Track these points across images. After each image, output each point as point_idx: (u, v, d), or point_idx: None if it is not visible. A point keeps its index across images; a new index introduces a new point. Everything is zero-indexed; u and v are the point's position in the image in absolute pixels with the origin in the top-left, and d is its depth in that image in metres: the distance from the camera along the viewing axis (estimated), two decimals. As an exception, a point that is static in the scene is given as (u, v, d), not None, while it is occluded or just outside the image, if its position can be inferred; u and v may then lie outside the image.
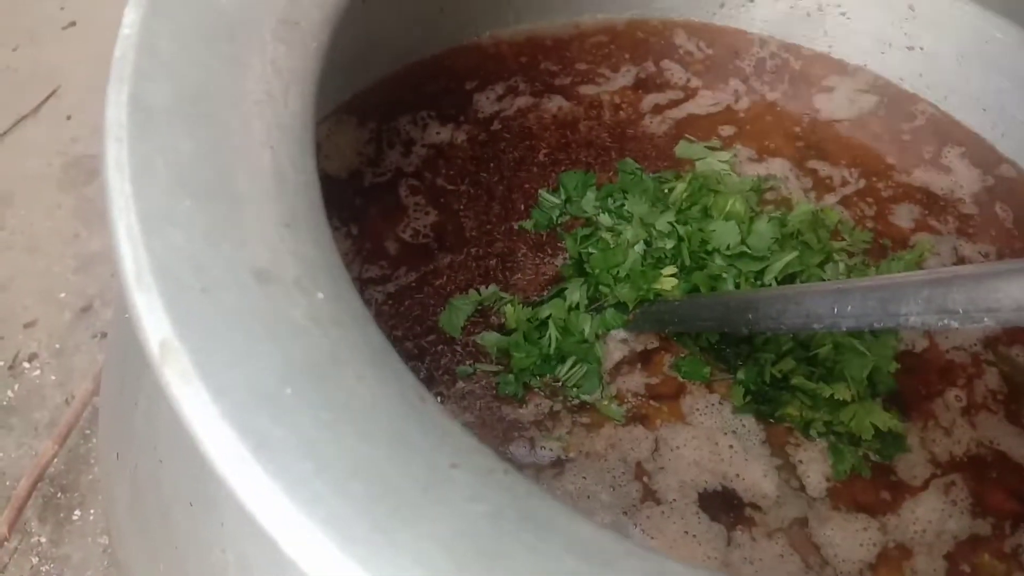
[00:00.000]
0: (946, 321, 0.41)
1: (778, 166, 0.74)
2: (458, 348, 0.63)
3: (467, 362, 0.62)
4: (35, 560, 1.02)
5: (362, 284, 0.65)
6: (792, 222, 0.68)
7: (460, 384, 0.61)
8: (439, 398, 0.61)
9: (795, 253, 0.63)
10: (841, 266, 0.67)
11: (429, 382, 0.61)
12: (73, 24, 1.59)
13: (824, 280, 0.66)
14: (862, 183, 0.72)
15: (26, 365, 1.19)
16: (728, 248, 0.64)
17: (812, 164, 0.74)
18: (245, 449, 0.24)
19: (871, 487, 0.59)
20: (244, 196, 0.31)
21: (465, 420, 0.60)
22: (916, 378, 0.65)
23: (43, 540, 1.04)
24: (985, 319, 0.39)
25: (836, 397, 0.60)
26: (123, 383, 0.49)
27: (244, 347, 0.27)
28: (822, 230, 0.69)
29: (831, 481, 0.59)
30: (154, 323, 0.27)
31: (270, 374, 0.27)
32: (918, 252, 0.69)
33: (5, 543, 1.00)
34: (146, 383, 0.45)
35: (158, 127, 0.31)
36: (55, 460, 1.07)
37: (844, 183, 0.72)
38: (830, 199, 0.71)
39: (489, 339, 0.63)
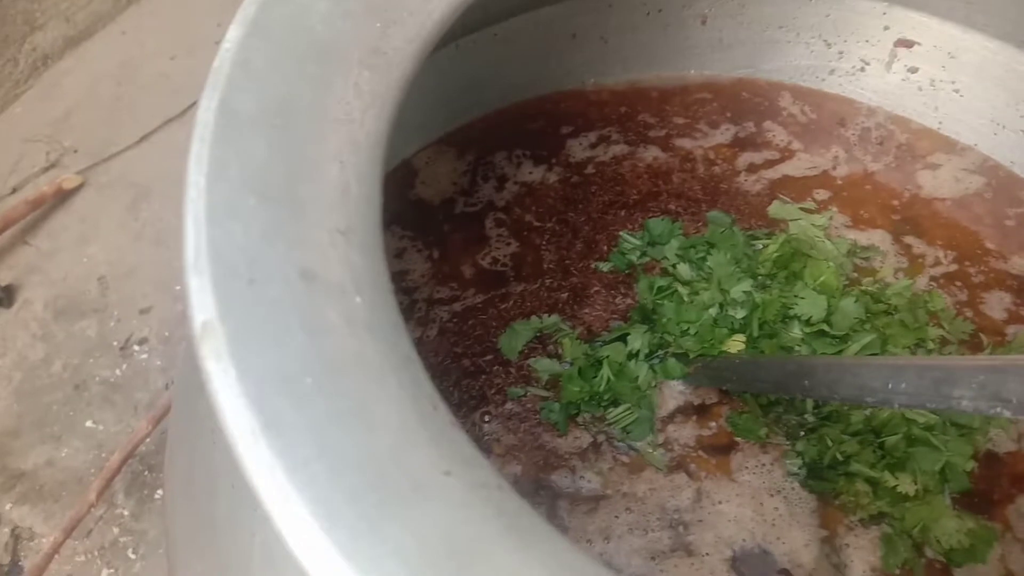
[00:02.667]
0: (999, 409, 0.39)
1: (875, 237, 0.72)
2: (512, 370, 0.64)
3: (519, 384, 0.64)
4: (116, 531, 1.09)
5: (431, 303, 0.67)
6: (890, 296, 0.67)
7: (509, 405, 0.63)
8: (487, 416, 0.62)
9: (873, 336, 0.62)
10: (934, 355, 0.65)
11: (481, 399, 0.63)
12: (226, 40, 1.70)
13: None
14: (954, 267, 0.70)
15: (136, 347, 1.27)
16: (810, 321, 0.64)
17: (907, 239, 0.72)
18: (257, 425, 0.27)
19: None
20: (306, 201, 0.34)
21: (509, 440, 0.61)
22: (995, 481, 0.61)
23: (126, 513, 1.11)
24: (1039, 410, 0.38)
25: (899, 489, 0.58)
26: (187, 390, 0.53)
27: (277, 336, 0.30)
28: (920, 311, 0.67)
29: (876, 572, 0.56)
30: (201, 304, 0.29)
31: (296, 363, 0.29)
32: (1019, 347, 0.66)
33: (92, 509, 1.06)
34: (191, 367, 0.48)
35: (239, 132, 0.34)
36: (147, 440, 1.14)
37: (936, 263, 0.70)
38: (921, 280, 0.69)
39: (542, 364, 0.64)
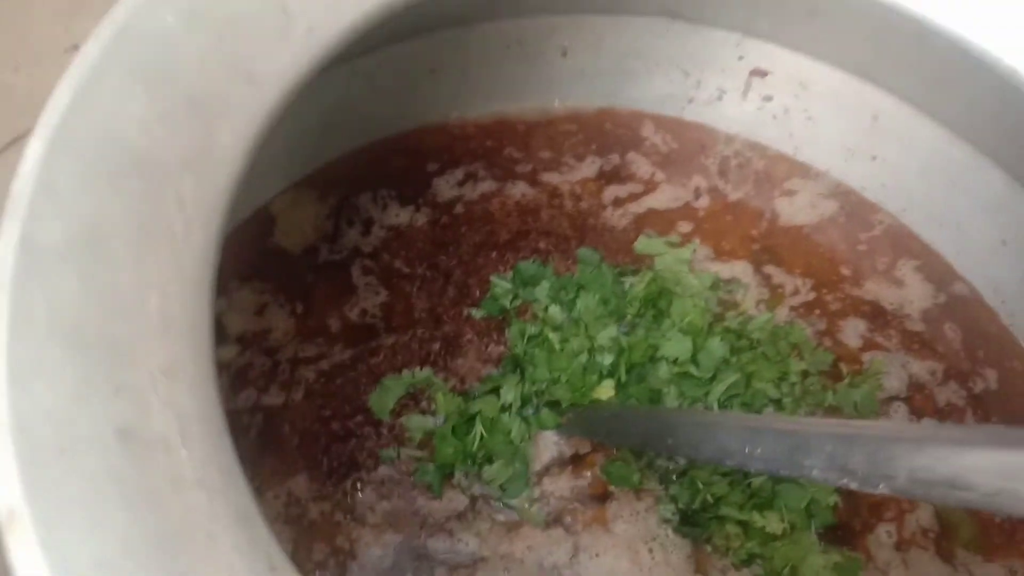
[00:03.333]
0: (846, 481, 0.40)
1: (737, 269, 0.74)
2: (384, 431, 0.63)
3: (392, 445, 0.62)
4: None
5: (295, 363, 0.65)
6: (752, 331, 0.68)
7: (382, 469, 0.61)
8: (359, 484, 0.60)
9: (736, 376, 0.63)
10: (796, 387, 0.66)
11: (351, 465, 0.61)
12: (75, 47, 1.59)
13: (773, 398, 0.65)
14: (812, 295, 0.72)
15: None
16: (677, 361, 0.64)
17: (767, 269, 0.74)
18: (69, 637, 0.24)
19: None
20: (123, 342, 0.31)
21: (383, 508, 0.60)
22: (856, 512, 0.64)
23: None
24: (881, 486, 0.39)
25: (768, 529, 0.59)
26: None
27: (93, 514, 0.27)
28: (782, 343, 0.68)
29: (748, 612, 0.58)
30: (4, 487, 0.27)
31: (115, 545, 0.27)
32: (873, 375, 0.68)
33: None
34: None
35: (44, 269, 0.31)
36: None
37: (795, 292, 0.72)
38: (781, 311, 0.71)
39: (413, 421, 0.63)
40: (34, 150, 0.34)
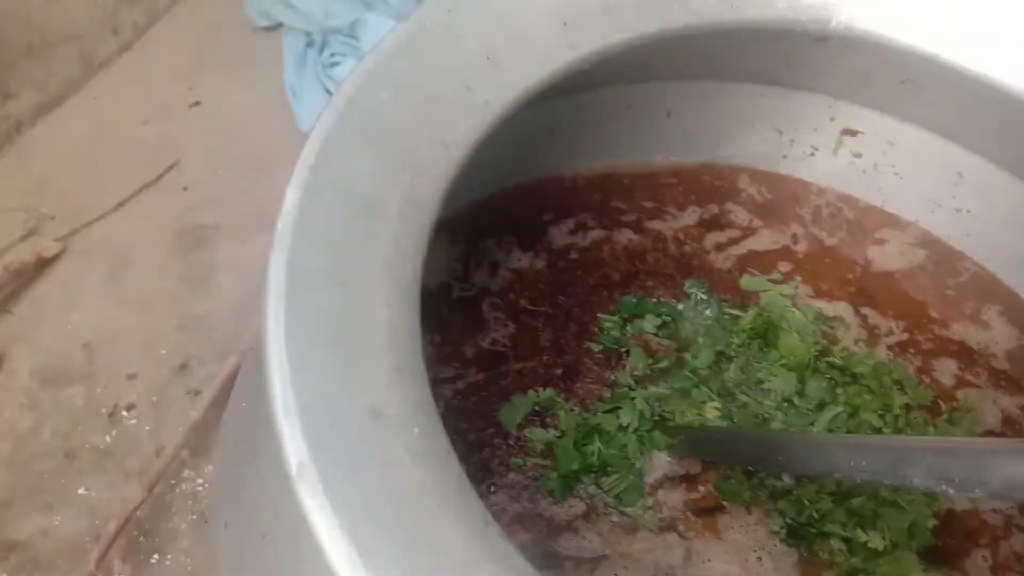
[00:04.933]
0: (944, 487, 0.47)
1: (838, 308, 0.80)
2: (511, 442, 0.71)
3: (519, 455, 0.70)
4: (115, 597, 1.11)
5: (435, 383, 0.73)
6: (855, 365, 0.74)
7: (512, 475, 0.69)
8: (492, 488, 0.68)
9: (841, 408, 0.70)
10: (900, 419, 0.72)
11: (485, 471, 0.69)
12: (198, 103, 1.76)
13: (876, 428, 0.71)
14: (905, 336, 0.78)
15: (124, 414, 1.30)
16: (783, 396, 0.71)
17: (863, 310, 0.80)
18: (356, 555, 0.33)
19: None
20: (365, 344, 0.40)
21: (514, 509, 0.67)
22: (954, 536, 0.69)
23: (124, 579, 1.13)
24: (977, 491, 0.45)
25: (870, 545, 0.65)
26: (236, 462, 0.58)
27: (359, 471, 0.36)
28: (886, 378, 0.74)
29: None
30: (294, 448, 0.35)
31: (377, 495, 0.35)
32: (971, 411, 0.74)
33: (92, 578, 1.09)
34: (255, 471, 0.54)
35: (306, 287, 0.40)
36: (142, 506, 1.17)
37: (890, 332, 0.79)
38: (879, 350, 0.77)
39: (536, 434, 0.71)
40: (291, 196, 0.43)
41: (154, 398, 1.32)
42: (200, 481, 1.19)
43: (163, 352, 1.37)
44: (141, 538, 1.18)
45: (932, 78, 0.64)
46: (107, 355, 1.36)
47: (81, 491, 1.23)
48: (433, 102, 0.50)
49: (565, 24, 0.55)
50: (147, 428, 1.29)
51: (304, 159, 0.44)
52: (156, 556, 1.17)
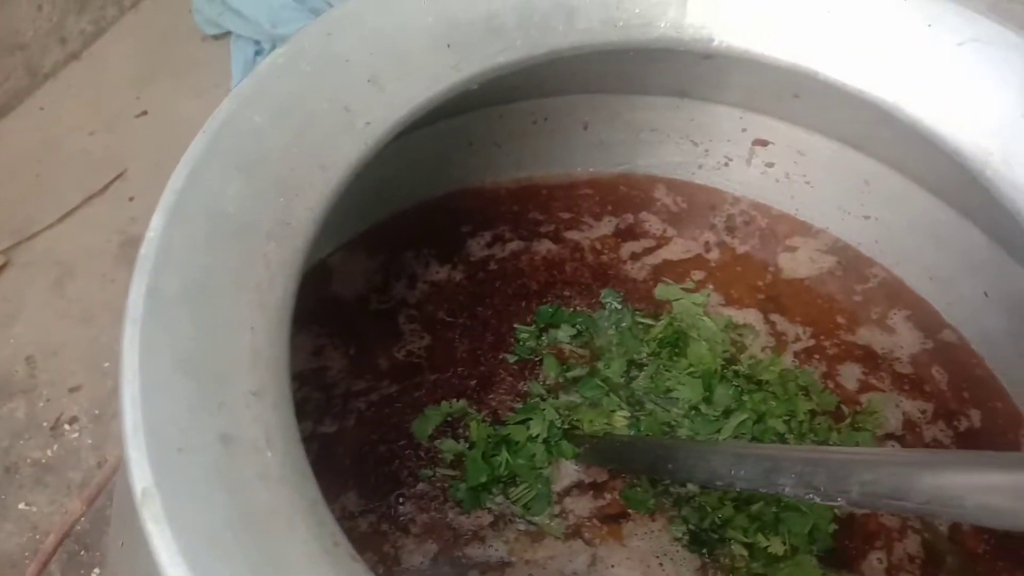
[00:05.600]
0: (811, 495, 0.48)
1: (748, 316, 0.82)
2: (422, 453, 0.72)
3: (429, 466, 0.71)
4: (54, 612, 1.11)
5: (347, 396, 0.74)
6: (761, 372, 0.76)
7: (421, 485, 0.70)
8: (401, 498, 0.69)
9: (747, 415, 0.71)
10: (804, 425, 0.74)
11: (395, 482, 0.70)
12: (145, 113, 1.75)
13: (781, 434, 0.73)
14: (812, 342, 0.80)
15: (66, 427, 1.30)
16: (690, 403, 0.73)
17: (772, 317, 0.82)
18: (192, 580, 0.34)
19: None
20: (224, 369, 0.41)
21: (422, 519, 0.68)
22: (852, 539, 0.70)
23: (63, 594, 1.13)
24: (839, 499, 0.47)
25: (771, 550, 0.66)
26: (121, 514, 0.59)
27: (204, 497, 0.37)
28: (791, 384, 0.76)
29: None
30: (140, 474, 0.36)
31: (220, 520, 0.36)
32: (873, 414, 0.75)
33: (29, 594, 1.09)
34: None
35: (165, 312, 0.41)
36: (82, 519, 1.17)
37: (797, 339, 0.80)
38: (785, 357, 0.79)
39: (446, 444, 0.72)
40: (156, 221, 0.44)
41: (97, 411, 1.32)
42: (138, 494, 1.19)
43: (107, 365, 1.37)
44: (82, 552, 1.18)
45: (817, 93, 0.66)
46: (50, 368, 1.36)
47: (22, 506, 1.22)
48: (312, 125, 0.50)
49: (449, 46, 0.56)
50: (89, 441, 1.29)
51: (172, 183, 0.45)
52: (97, 570, 1.17)
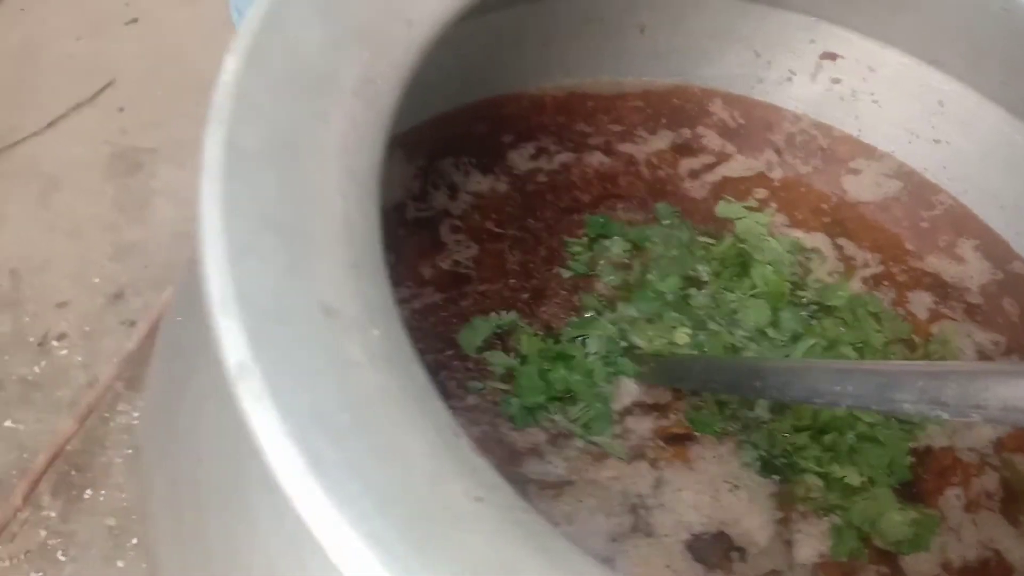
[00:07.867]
0: (937, 412, 0.44)
1: (815, 240, 0.77)
2: (470, 364, 0.67)
3: (479, 379, 0.66)
4: (43, 533, 1.06)
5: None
6: (829, 297, 0.71)
7: (471, 399, 0.65)
8: (452, 411, 0.64)
9: (814, 341, 0.67)
10: (878, 355, 0.69)
11: (443, 393, 0.65)
12: (135, 21, 1.65)
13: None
14: (881, 268, 0.76)
15: (54, 343, 1.23)
16: (755, 325, 0.68)
17: (839, 241, 0.77)
18: (305, 466, 0.28)
19: (862, 570, 0.61)
20: (318, 236, 0.35)
21: (474, 434, 0.63)
22: (928, 473, 0.67)
23: (53, 515, 1.08)
24: (972, 415, 0.43)
25: (847, 481, 0.63)
26: (170, 381, 0.53)
27: (309, 374, 0.31)
28: (861, 310, 0.72)
29: (824, 558, 0.61)
30: (233, 345, 0.30)
31: (330, 400, 0.31)
32: (946, 343, 0.71)
33: (18, 513, 1.03)
34: (191, 388, 0.48)
35: (248, 168, 0.35)
36: (73, 439, 1.11)
37: (866, 264, 0.76)
38: (854, 283, 0.75)
39: (496, 357, 0.66)
40: (230, 65, 0.37)
41: (87, 328, 1.25)
42: (136, 415, 1.13)
43: (96, 280, 1.30)
44: (73, 472, 1.12)
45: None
46: (36, 282, 1.29)
47: (8, 423, 1.16)
48: (396, -25, 0.44)
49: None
50: (79, 359, 1.22)
51: (247, 24, 0.38)
52: (89, 491, 1.11)
